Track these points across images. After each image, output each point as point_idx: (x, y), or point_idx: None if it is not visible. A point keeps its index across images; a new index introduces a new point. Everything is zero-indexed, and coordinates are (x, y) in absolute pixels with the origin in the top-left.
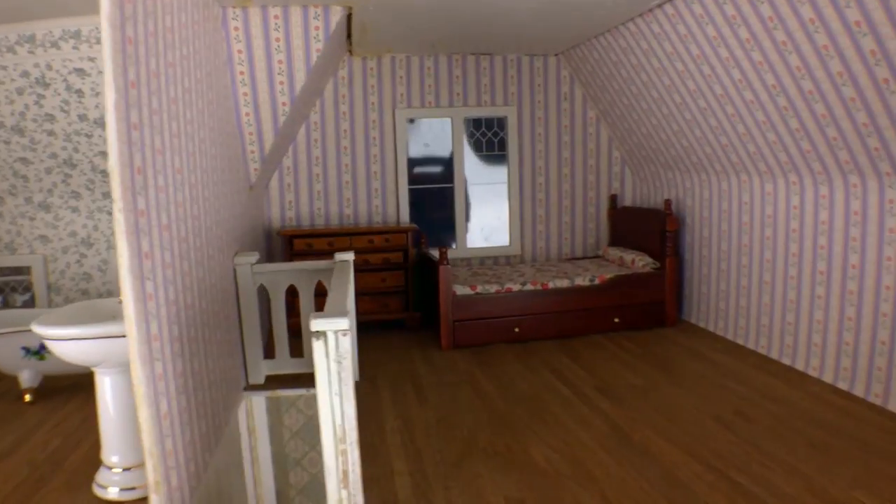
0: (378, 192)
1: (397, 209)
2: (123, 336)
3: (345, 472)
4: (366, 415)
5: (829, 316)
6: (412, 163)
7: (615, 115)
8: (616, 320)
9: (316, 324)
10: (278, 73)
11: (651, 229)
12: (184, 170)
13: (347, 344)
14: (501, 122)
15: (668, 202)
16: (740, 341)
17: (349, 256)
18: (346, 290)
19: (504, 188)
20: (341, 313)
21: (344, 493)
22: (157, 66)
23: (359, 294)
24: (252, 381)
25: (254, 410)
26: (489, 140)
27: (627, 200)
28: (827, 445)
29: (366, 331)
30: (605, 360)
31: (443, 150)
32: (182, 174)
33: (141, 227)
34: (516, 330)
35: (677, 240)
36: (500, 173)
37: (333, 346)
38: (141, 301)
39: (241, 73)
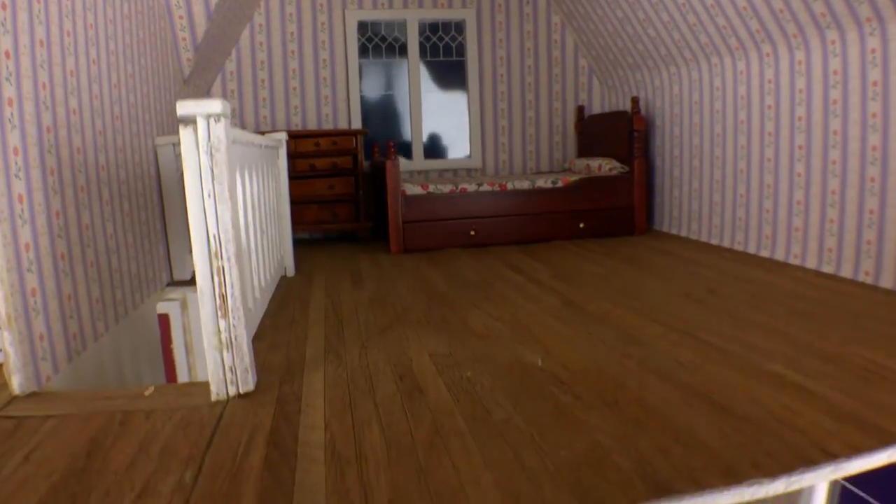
0: (328, 100)
1: (348, 117)
2: None
3: (223, 297)
4: (292, 298)
5: (811, 193)
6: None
7: (580, 17)
8: (581, 225)
9: (183, 107)
10: None
11: (618, 133)
12: (62, 16)
13: (221, 132)
14: (460, 27)
15: (635, 100)
16: (715, 241)
17: (281, 136)
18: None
19: (463, 97)
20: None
21: (222, 323)
22: None
23: (305, 202)
24: (177, 276)
25: (191, 324)
26: (447, 45)
27: (595, 111)
28: (812, 313)
29: (313, 243)
30: (567, 257)
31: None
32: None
33: None
34: (472, 233)
35: (646, 142)
36: (458, 81)
37: (204, 134)
38: None
39: None
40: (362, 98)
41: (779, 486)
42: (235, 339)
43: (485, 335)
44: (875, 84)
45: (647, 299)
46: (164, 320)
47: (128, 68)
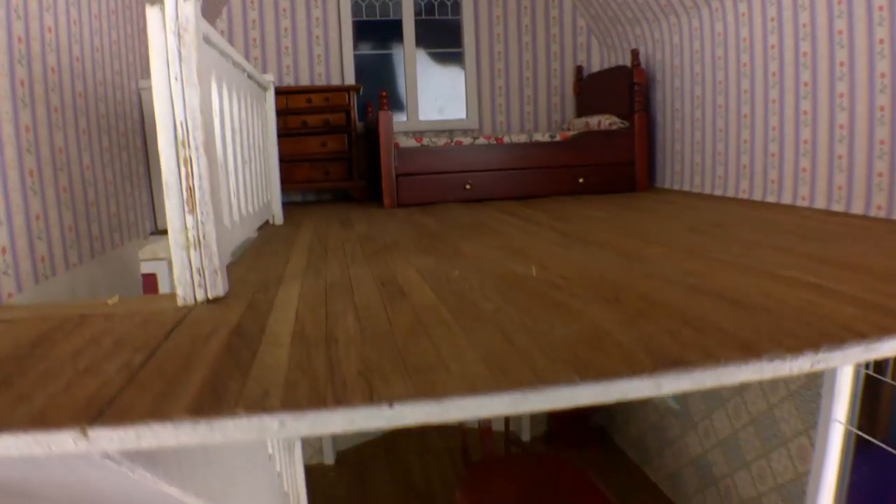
0: (321, 59)
1: (342, 77)
2: None
3: (190, 190)
4: (278, 238)
5: (818, 130)
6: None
7: None
8: (581, 181)
9: None
10: None
11: (618, 89)
12: None
13: (190, 11)
14: None
15: (635, 52)
16: (719, 192)
17: (269, 76)
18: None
19: (458, 56)
20: None
21: (189, 219)
22: None
23: (297, 161)
24: (161, 225)
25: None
26: (441, 3)
27: (594, 71)
28: (824, 239)
29: (305, 204)
30: (566, 206)
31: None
32: None
33: None
34: (467, 187)
35: (647, 98)
36: (453, 41)
37: (172, 13)
38: None
39: None
40: (356, 57)
41: (804, 364)
42: (204, 237)
43: (476, 257)
44: (881, 9)
45: (651, 233)
46: (150, 280)
47: (110, 3)
